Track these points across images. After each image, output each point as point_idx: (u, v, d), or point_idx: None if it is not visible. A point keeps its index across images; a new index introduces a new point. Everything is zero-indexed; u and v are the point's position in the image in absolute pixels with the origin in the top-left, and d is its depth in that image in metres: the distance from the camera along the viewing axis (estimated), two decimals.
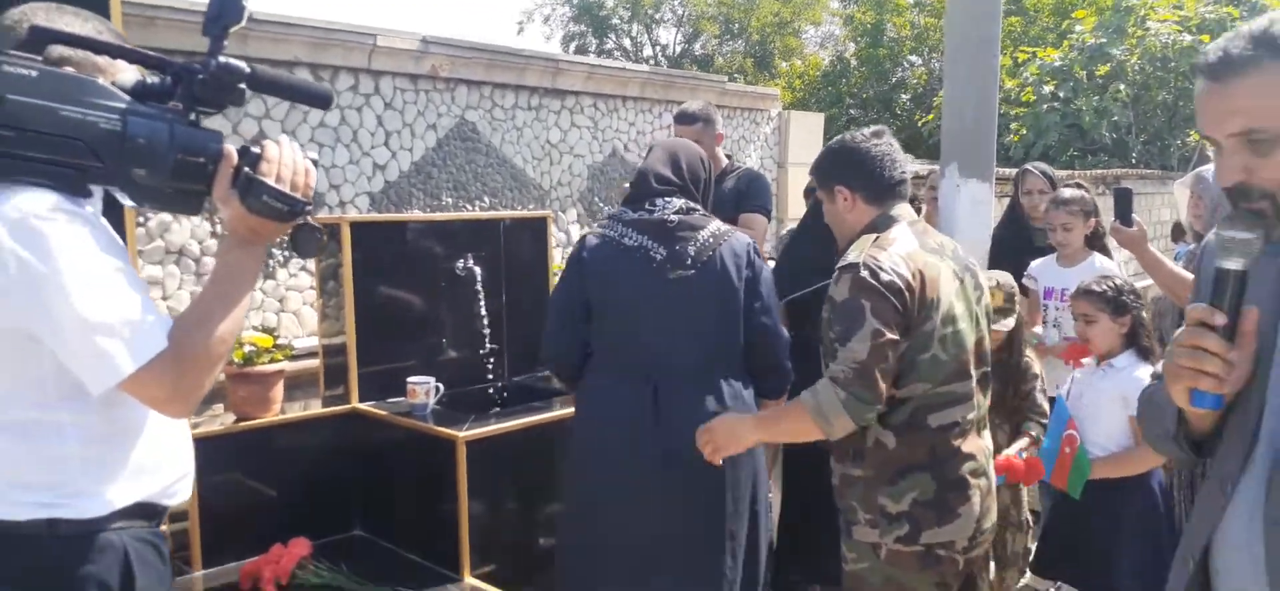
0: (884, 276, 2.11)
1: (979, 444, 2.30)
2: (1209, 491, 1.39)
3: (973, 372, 2.27)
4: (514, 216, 4.07)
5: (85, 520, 1.45)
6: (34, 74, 1.34)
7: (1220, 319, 1.26)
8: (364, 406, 3.35)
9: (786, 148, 6.53)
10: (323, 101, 1.67)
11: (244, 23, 1.48)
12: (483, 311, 3.67)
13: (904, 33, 19.34)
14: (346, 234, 3.30)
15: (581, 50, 26.58)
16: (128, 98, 1.42)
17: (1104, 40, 11.58)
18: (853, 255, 2.19)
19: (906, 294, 2.12)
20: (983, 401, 2.33)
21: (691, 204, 2.69)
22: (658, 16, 26.07)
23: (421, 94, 4.27)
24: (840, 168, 2.32)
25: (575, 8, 26.18)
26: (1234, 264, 1.26)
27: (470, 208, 4.48)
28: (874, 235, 2.23)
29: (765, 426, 2.37)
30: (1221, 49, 1.28)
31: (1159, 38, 11.17)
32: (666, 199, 2.67)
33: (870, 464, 2.22)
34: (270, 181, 1.47)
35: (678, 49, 26.41)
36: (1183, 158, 11.95)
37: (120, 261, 1.41)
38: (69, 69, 1.41)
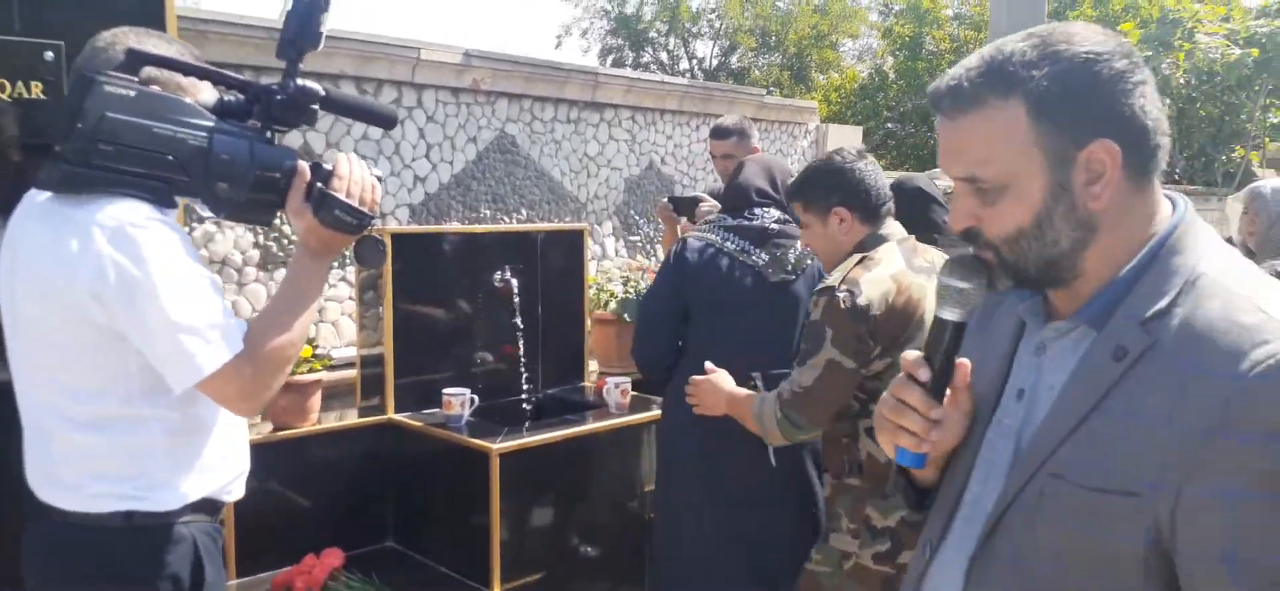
0: (860, 300, 2.11)
1: None
2: (918, 550, 1.27)
3: None
4: (551, 229, 4.08)
5: (160, 512, 1.52)
6: (132, 94, 1.43)
7: (925, 373, 1.14)
8: (399, 417, 3.37)
9: None
10: (389, 123, 1.81)
11: (321, 48, 1.54)
12: (519, 323, 3.68)
13: (943, 46, 19.17)
14: (388, 245, 3.32)
15: (618, 63, 26.68)
16: (212, 117, 1.50)
17: (1150, 54, 11.39)
18: (835, 277, 2.21)
19: (881, 318, 2.11)
20: None
21: (784, 216, 2.78)
22: (695, 30, 26.10)
23: (463, 107, 4.30)
24: (835, 189, 2.30)
25: (613, 21, 26.29)
26: (950, 314, 1.14)
27: (508, 220, 4.50)
28: (860, 256, 2.23)
29: (733, 406, 2.40)
30: (954, 78, 1.09)
31: (1207, 52, 10.94)
32: (764, 209, 2.78)
33: (865, 476, 2.24)
34: (341, 196, 1.55)
35: (714, 62, 26.40)
36: (1227, 173, 11.70)
37: (203, 268, 1.50)
38: (156, 88, 1.48)
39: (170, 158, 1.46)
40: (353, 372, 3.55)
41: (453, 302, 3.63)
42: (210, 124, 1.49)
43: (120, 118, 1.41)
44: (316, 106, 1.58)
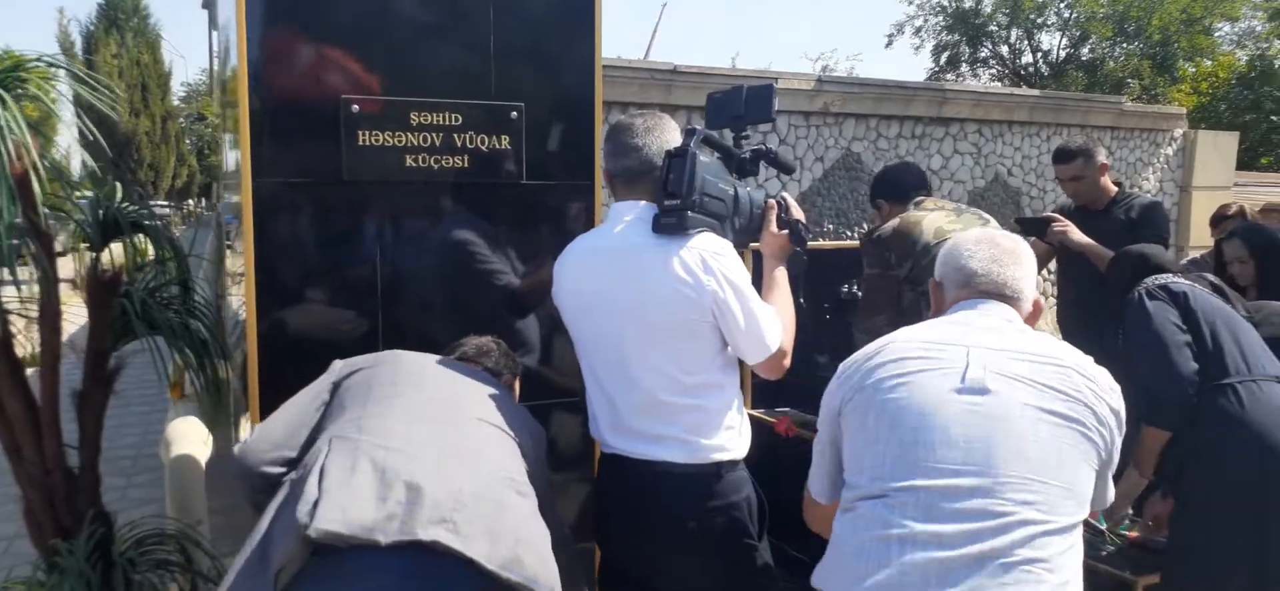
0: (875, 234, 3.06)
1: None
2: None
3: None
4: None
5: (737, 460, 2.00)
6: (710, 160, 2.01)
7: None
8: (754, 413, 3.74)
9: (1191, 170, 6.04)
10: (790, 170, 2.30)
11: (771, 123, 2.05)
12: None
13: None
14: (749, 261, 3.71)
15: (953, 61, 25.68)
16: (729, 176, 2.07)
17: None
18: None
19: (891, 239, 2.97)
20: None
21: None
22: (1041, 20, 24.47)
23: (812, 129, 4.61)
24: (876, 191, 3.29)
25: (949, 17, 25.35)
26: None
27: (849, 235, 4.73)
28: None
29: None
30: None
31: None
32: None
33: None
34: (801, 222, 2.14)
35: (1062, 54, 24.61)
36: None
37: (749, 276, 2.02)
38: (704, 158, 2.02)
39: (724, 204, 2.01)
40: None
41: (805, 314, 3.94)
42: (734, 181, 2.06)
43: (708, 177, 1.97)
44: (762, 161, 2.18)
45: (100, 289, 2.54)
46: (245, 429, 2.81)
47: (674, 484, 1.96)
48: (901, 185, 3.20)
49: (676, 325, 1.93)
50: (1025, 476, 1.46)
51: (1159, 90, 20.74)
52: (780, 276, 2.12)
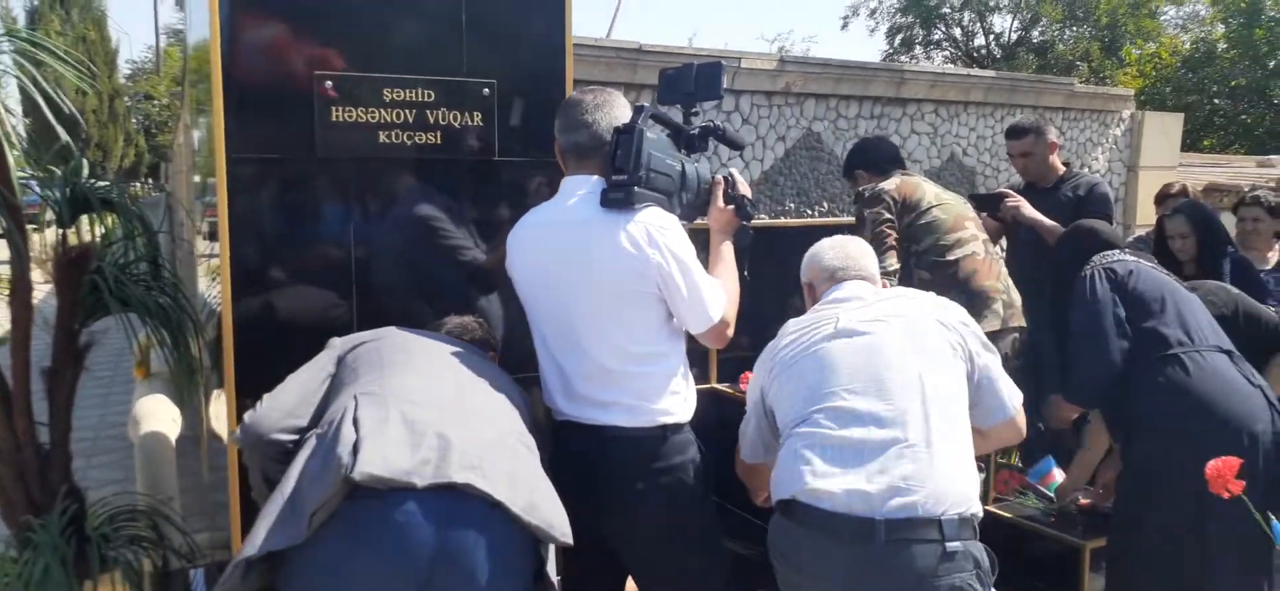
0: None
1: None
2: None
3: None
4: (850, 221, 4.35)
5: (682, 423, 2.08)
6: (658, 137, 2.07)
7: None
8: (720, 387, 3.83)
9: (1138, 151, 6.23)
10: (740, 147, 2.43)
11: (719, 100, 2.08)
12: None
13: None
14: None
15: (907, 44, 25.98)
16: (677, 153, 2.11)
17: None
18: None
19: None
20: None
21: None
22: (992, 3, 24.85)
23: (774, 108, 4.69)
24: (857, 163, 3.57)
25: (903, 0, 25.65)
26: None
27: (811, 213, 4.83)
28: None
29: None
30: None
31: None
32: None
33: None
34: (747, 197, 2.21)
35: (1014, 37, 25.03)
36: None
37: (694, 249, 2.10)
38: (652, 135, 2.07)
39: (671, 179, 2.07)
40: None
41: (761, 291, 4.02)
42: (682, 157, 2.13)
43: (656, 154, 2.03)
44: (712, 138, 2.23)
45: (70, 265, 2.54)
46: (216, 406, 2.82)
47: (621, 447, 2.04)
48: (879, 157, 3.45)
49: (623, 296, 2.01)
50: (904, 384, 1.92)
51: (1107, 73, 21.19)
52: (726, 251, 2.20)
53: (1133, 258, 2.85)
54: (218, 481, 2.95)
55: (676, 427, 2.07)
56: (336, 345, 2.01)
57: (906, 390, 1.91)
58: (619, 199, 1.99)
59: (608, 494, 2.06)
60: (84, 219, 2.71)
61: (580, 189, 2.09)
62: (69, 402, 2.65)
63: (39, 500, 2.58)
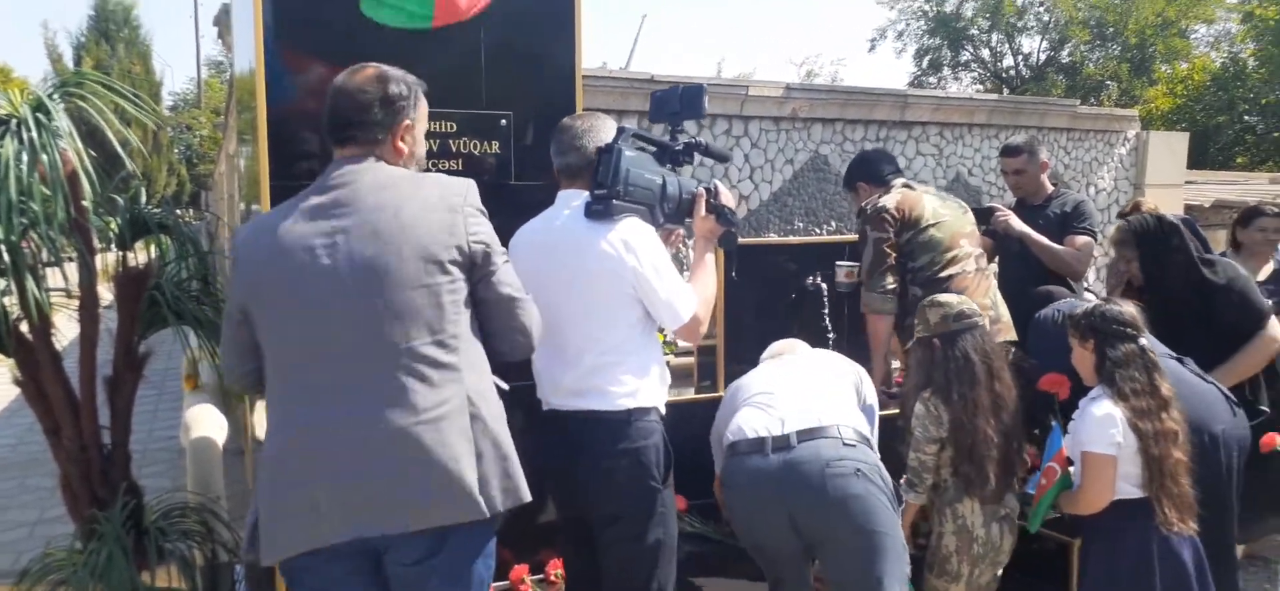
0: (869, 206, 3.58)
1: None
2: None
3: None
4: (855, 239, 4.55)
5: (648, 408, 2.29)
6: (637, 155, 2.31)
7: None
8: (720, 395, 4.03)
9: (1144, 169, 6.37)
10: (724, 159, 2.68)
11: (703, 117, 2.34)
12: (827, 322, 4.20)
13: None
14: (719, 254, 4.00)
15: (935, 65, 26.03)
16: (659, 168, 2.36)
17: None
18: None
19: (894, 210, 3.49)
20: None
21: None
22: (1021, 24, 24.88)
23: (782, 133, 4.91)
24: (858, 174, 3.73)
25: (930, 22, 25.72)
26: None
27: (819, 231, 5.03)
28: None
29: None
30: None
31: None
32: None
33: None
34: (728, 207, 2.43)
35: (1042, 57, 25.01)
36: None
37: (668, 255, 2.34)
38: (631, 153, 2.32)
39: (651, 193, 2.31)
40: (691, 359, 4.28)
41: (772, 302, 4.24)
42: (662, 172, 2.37)
43: (635, 170, 2.26)
44: (697, 152, 2.49)
45: (130, 283, 2.81)
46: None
47: (592, 429, 2.26)
48: (878, 168, 3.62)
49: (602, 296, 2.25)
50: (809, 384, 2.61)
51: (1137, 92, 21.14)
52: (708, 258, 2.45)
53: (1076, 303, 3.16)
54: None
55: (643, 412, 2.28)
56: None
57: (802, 384, 2.60)
58: (600, 210, 2.24)
59: (584, 473, 2.29)
60: (138, 242, 2.99)
61: (573, 202, 2.34)
62: (129, 407, 2.91)
63: (102, 496, 2.85)
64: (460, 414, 1.84)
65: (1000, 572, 2.84)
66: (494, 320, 1.97)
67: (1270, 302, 3.26)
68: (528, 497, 1.92)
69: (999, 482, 2.70)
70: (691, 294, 2.33)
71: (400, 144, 1.97)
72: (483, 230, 1.93)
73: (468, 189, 1.96)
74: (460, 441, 1.82)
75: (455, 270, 1.88)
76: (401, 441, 1.79)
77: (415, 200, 1.88)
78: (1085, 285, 4.29)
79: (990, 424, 2.67)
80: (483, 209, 1.97)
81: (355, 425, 1.81)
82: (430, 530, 1.82)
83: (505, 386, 2.04)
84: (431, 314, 1.84)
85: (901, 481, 2.76)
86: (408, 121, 1.98)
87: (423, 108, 2.04)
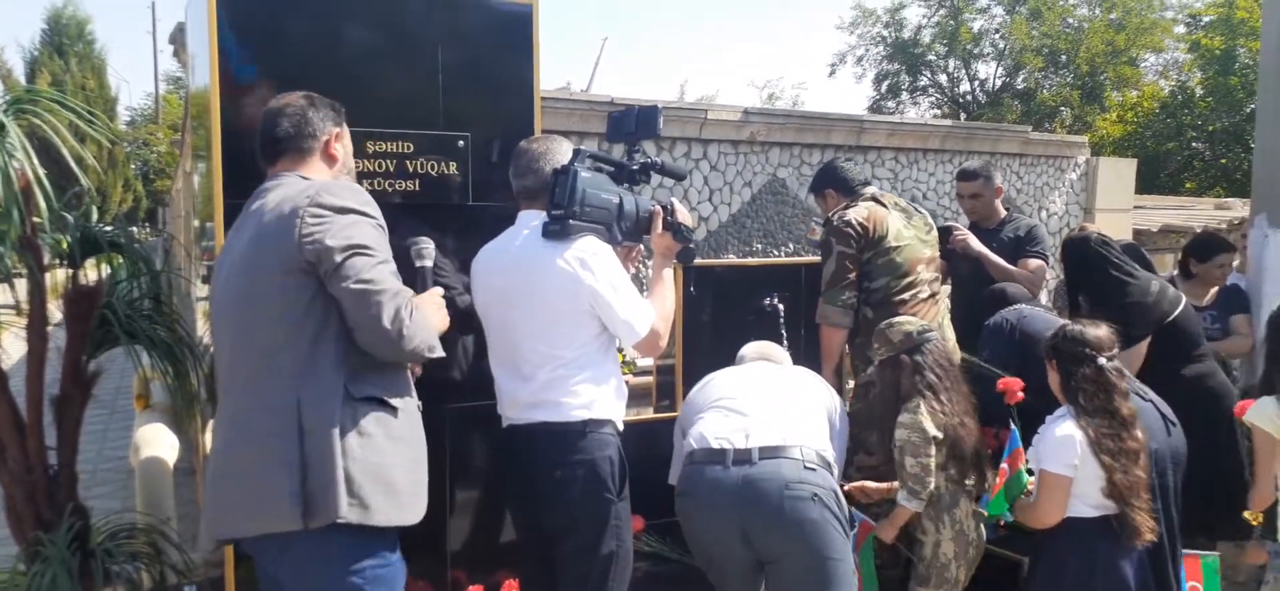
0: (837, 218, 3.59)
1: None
2: None
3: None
4: (812, 262, 4.61)
5: (604, 420, 2.34)
6: (592, 175, 2.35)
7: None
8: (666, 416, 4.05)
9: (1094, 194, 6.53)
10: (680, 177, 2.73)
11: (659, 136, 2.39)
12: (785, 341, 4.24)
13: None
14: (678, 274, 4.03)
15: (894, 90, 26.45)
16: (616, 187, 2.40)
17: None
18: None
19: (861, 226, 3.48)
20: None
21: None
22: (977, 51, 25.39)
23: (741, 156, 4.97)
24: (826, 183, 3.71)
25: (889, 47, 26.15)
26: None
27: (777, 253, 5.09)
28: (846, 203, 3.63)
29: None
30: None
31: None
32: None
33: None
34: (685, 224, 2.48)
35: (998, 83, 25.52)
36: None
37: (628, 274, 2.38)
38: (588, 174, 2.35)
39: (607, 211, 2.34)
40: (650, 379, 4.30)
41: (729, 322, 4.27)
42: (619, 191, 2.40)
43: (591, 191, 2.30)
44: (653, 171, 2.54)
45: (81, 300, 2.78)
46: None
47: (547, 439, 2.30)
48: (849, 180, 3.66)
49: (559, 312, 2.29)
50: (779, 399, 2.61)
51: (1089, 118, 21.63)
52: (665, 273, 2.50)
53: (1028, 308, 3.37)
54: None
55: (598, 423, 2.32)
56: None
57: (774, 397, 2.61)
58: (557, 231, 2.28)
59: (539, 483, 2.32)
60: (89, 260, 2.95)
61: (532, 222, 2.38)
62: (77, 427, 2.87)
63: (47, 517, 2.79)
64: (288, 425, 1.87)
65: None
66: (350, 316, 1.91)
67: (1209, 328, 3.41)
68: (396, 518, 1.94)
69: (980, 478, 2.86)
70: (649, 309, 2.37)
71: (334, 150, 2.14)
72: (319, 229, 1.87)
73: (314, 190, 1.92)
74: (284, 451, 1.86)
75: (300, 276, 1.89)
76: (235, 449, 1.95)
77: (271, 211, 1.93)
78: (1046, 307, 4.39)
79: (971, 420, 2.82)
80: (336, 207, 1.90)
81: (219, 432, 2.03)
82: (274, 536, 1.90)
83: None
84: (272, 327, 1.92)
85: (899, 491, 2.80)
86: (337, 130, 2.14)
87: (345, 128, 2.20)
